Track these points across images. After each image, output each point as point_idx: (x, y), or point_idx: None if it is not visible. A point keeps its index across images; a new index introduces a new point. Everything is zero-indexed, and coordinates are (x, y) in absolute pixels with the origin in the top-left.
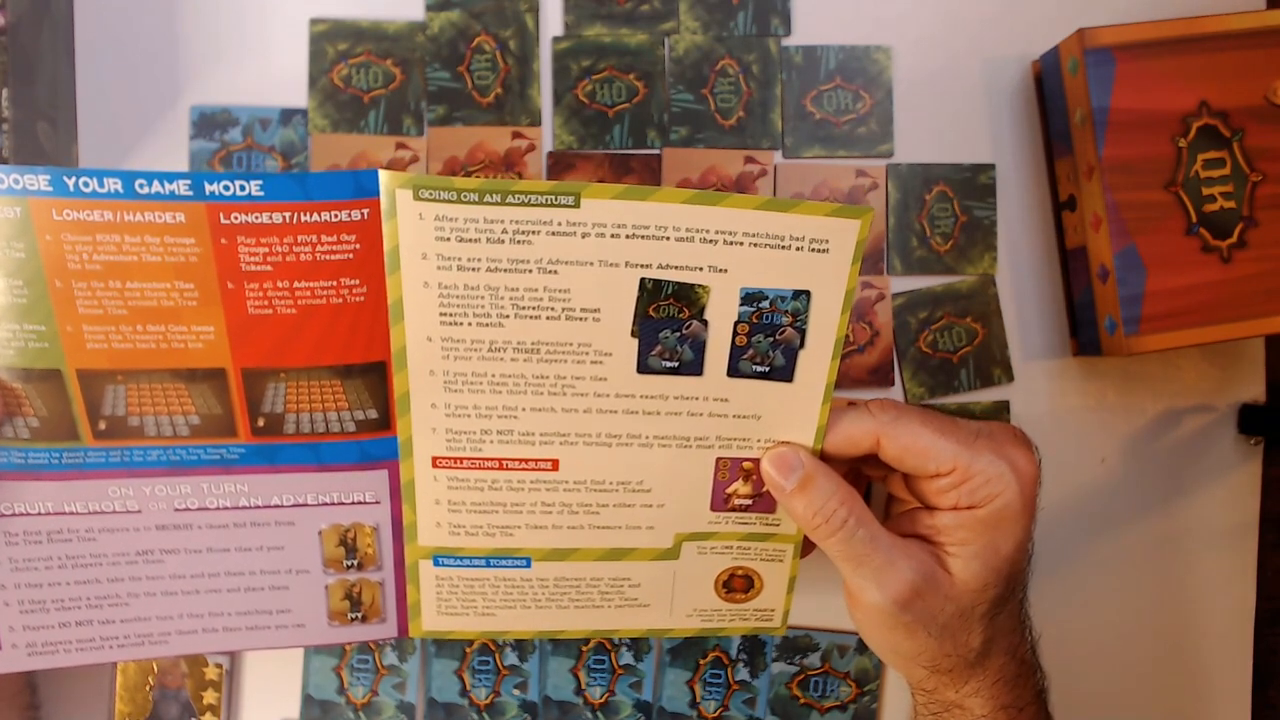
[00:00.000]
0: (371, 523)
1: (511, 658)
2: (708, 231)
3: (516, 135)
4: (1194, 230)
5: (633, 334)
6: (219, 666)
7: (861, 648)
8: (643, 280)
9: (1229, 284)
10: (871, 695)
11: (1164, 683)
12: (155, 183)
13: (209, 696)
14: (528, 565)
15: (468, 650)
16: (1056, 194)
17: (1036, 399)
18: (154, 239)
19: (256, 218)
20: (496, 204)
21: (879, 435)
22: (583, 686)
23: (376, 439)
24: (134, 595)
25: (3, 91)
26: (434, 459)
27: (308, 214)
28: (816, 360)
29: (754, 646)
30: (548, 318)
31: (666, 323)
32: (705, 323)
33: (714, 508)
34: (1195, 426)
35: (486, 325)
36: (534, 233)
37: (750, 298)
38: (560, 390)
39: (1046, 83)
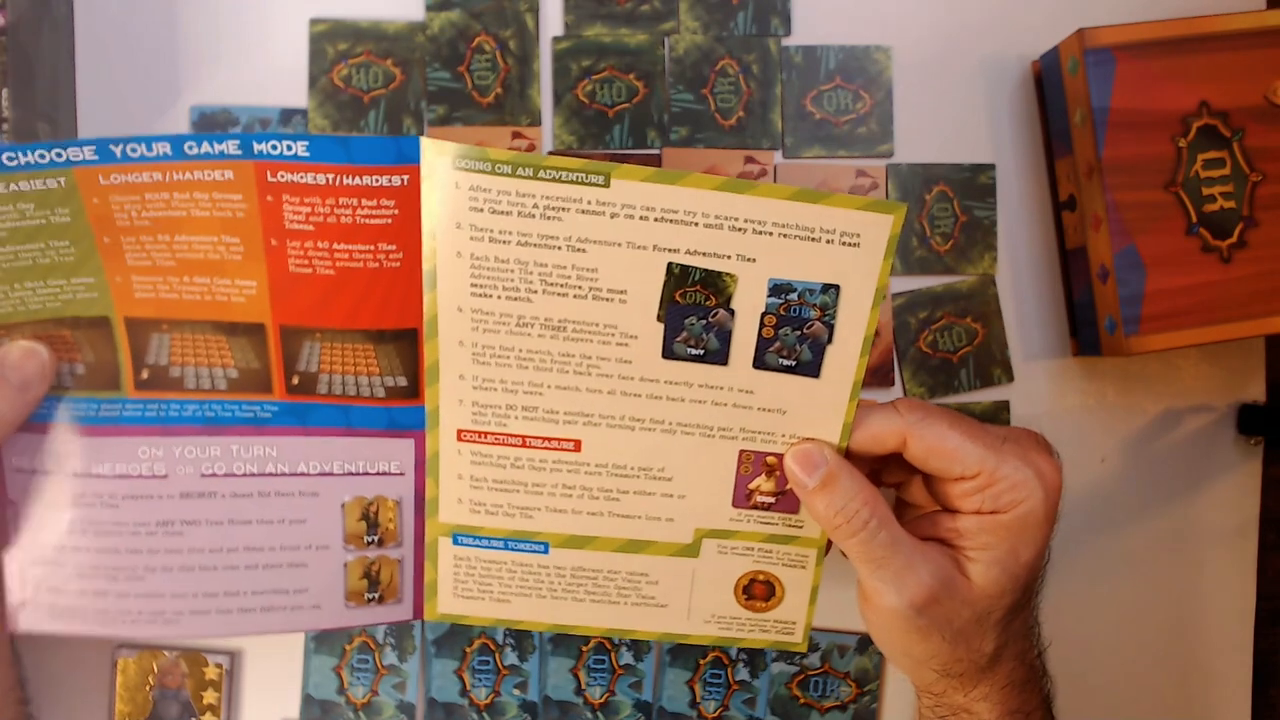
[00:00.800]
0: (395, 496)
1: (511, 657)
2: (737, 220)
3: (516, 135)
4: (1194, 230)
5: (658, 318)
6: (219, 666)
7: (861, 648)
8: (670, 265)
9: (1229, 284)
10: (871, 695)
11: (1164, 682)
12: (205, 144)
13: (209, 696)
14: (545, 551)
15: (468, 650)
16: (1056, 194)
17: (1036, 399)
18: (203, 195)
19: (301, 177)
20: (529, 178)
21: (906, 434)
22: (583, 686)
23: (405, 407)
24: (150, 569)
25: (3, 91)
26: (459, 432)
27: (350, 177)
28: (844, 356)
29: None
30: (575, 296)
31: (693, 309)
32: (732, 312)
33: (736, 504)
34: (1195, 426)
35: (515, 299)
36: (564, 209)
37: (778, 289)
38: (585, 370)
39: (1046, 83)
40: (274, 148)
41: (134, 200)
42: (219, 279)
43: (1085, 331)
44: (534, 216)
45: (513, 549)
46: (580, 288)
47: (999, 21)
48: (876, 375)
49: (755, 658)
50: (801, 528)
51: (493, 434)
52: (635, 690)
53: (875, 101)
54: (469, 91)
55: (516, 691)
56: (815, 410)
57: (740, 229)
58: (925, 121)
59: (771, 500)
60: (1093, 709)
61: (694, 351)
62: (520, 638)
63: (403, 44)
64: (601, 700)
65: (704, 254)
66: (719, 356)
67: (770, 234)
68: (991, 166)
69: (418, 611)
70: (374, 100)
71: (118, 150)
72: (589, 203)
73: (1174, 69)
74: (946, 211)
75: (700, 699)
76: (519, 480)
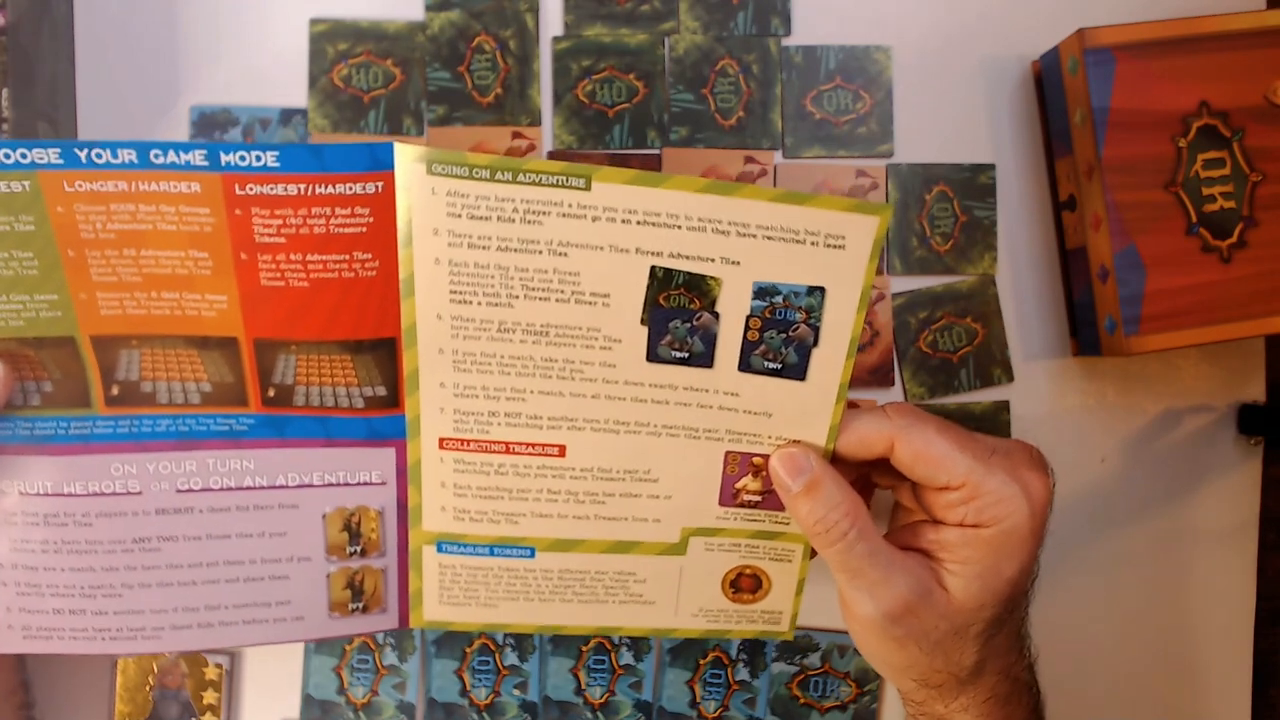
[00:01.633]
0: (376, 506)
1: (511, 658)
2: (720, 222)
3: (516, 135)
4: (1194, 230)
5: (642, 322)
6: (219, 666)
7: None
8: (653, 268)
9: (1229, 284)
10: (871, 695)
11: (1164, 683)
12: (171, 152)
13: (209, 696)
14: (532, 555)
15: (468, 650)
16: (1056, 194)
17: (1036, 399)
18: (169, 208)
19: (271, 189)
20: (508, 182)
21: (893, 439)
22: (583, 686)
23: (385, 416)
24: (128, 586)
25: (3, 91)
26: (441, 440)
27: (322, 186)
28: (830, 359)
29: (754, 646)
30: (557, 300)
31: (677, 312)
32: (716, 315)
33: (722, 502)
34: (1195, 426)
35: (496, 305)
36: (545, 213)
37: (763, 292)
38: (569, 375)
39: (1046, 83)
40: (242, 159)
41: (99, 211)
42: (188, 294)
43: (1085, 331)
44: (514, 221)
45: (498, 555)
46: (562, 292)
47: (999, 21)
48: (876, 375)
49: (755, 658)
50: (788, 524)
51: (475, 441)
52: (635, 690)
53: (875, 101)
54: (469, 91)
55: (516, 692)
56: (801, 412)
57: (724, 231)
58: (925, 121)
59: (758, 499)
60: (1092, 708)
61: (679, 355)
62: (520, 638)
63: (403, 44)
64: (601, 700)
65: (688, 257)
66: (704, 359)
67: (755, 236)
68: (991, 166)
69: (403, 620)
70: (374, 100)
71: (82, 155)
72: (570, 206)
73: (1174, 69)
74: (946, 211)
75: (700, 699)
76: (503, 487)
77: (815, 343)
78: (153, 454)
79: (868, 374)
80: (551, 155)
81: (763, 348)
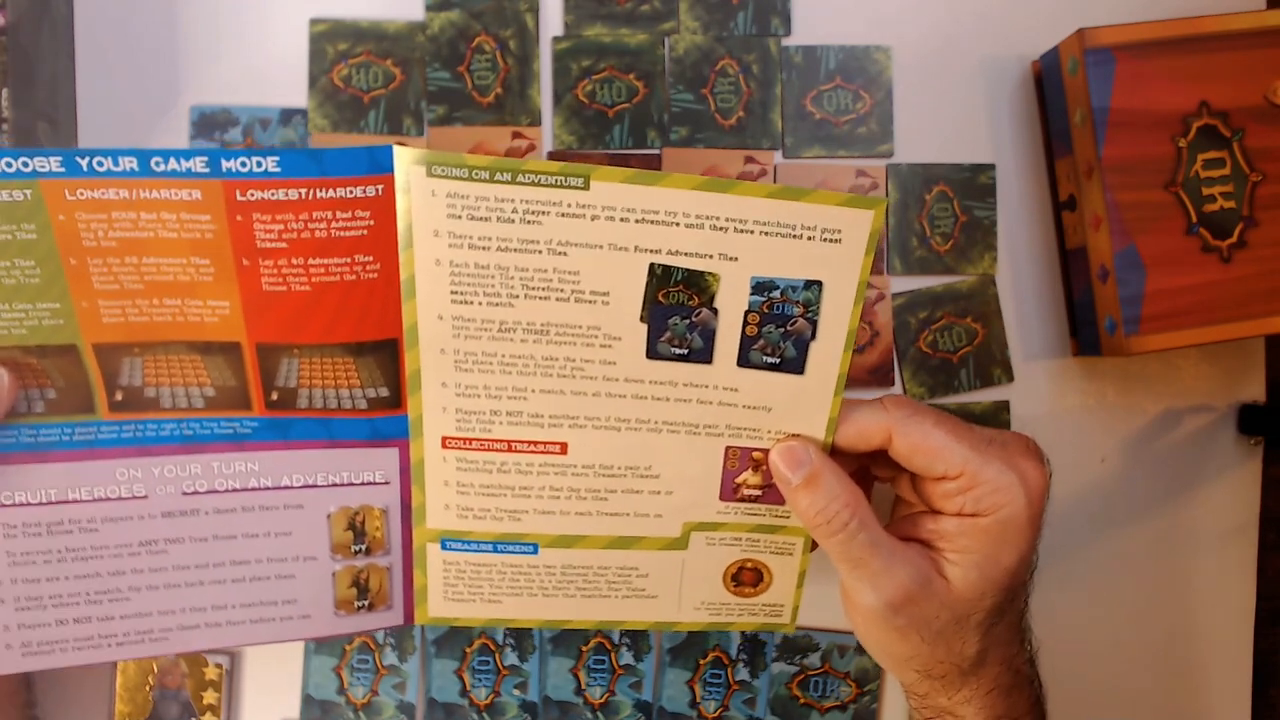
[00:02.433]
0: (381, 505)
1: (511, 658)
2: (718, 219)
3: (516, 135)
4: (1194, 230)
5: (642, 319)
6: (219, 666)
7: (862, 648)
8: (652, 265)
9: (1229, 284)
10: (871, 695)
11: (1164, 683)
12: (171, 160)
13: (209, 696)
14: (535, 551)
15: (468, 650)
16: (1056, 194)
17: (1036, 399)
18: (170, 215)
19: (272, 194)
20: (507, 183)
21: (891, 430)
22: (583, 686)
23: (387, 417)
24: (135, 589)
25: (3, 91)
26: (444, 439)
27: (323, 190)
28: (828, 352)
29: (754, 646)
30: (557, 299)
31: (676, 309)
32: (715, 311)
33: (723, 497)
34: (1195, 426)
35: (497, 305)
36: (544, 213)
37: (761, 287)
38: (569, 373)
39: (1046, 83)
40: (243, 165)
41: (100, 219)
42: (190, 300)
43: (1085, 331)
44: (513, 221)
45: (502, 551)
46: (562, 291)
47: (999, 21)
48: (876, 375)
49: (755, 658)
50: (788, 518)
51: (478, 440)
52: (635, 690)
53: (875, 101)
54: (469, 91)
55: (516, 691)
56: (800, 406)
57: (721, 228)
58: (925, 121)
59: (758, 493)
60: (1092, 708)
61: (678, 351)
62: (520, 638)
63: (403, 44)
64: (601, 700)
65: (686, 254)
66: (703, 355)
67: (752, 232)
68: (991, 166)
69: (408, 617)
70: (374, 100)
71: (84, 163)
72: (569, 206)
73: (1174, 69)
74: (946, 211)
75: (700, 699)
76: (506, 484)
77: (813, 336)
78: (157, 458)
79: (868, 374)
80: (551, 155)
81: (761, 342)
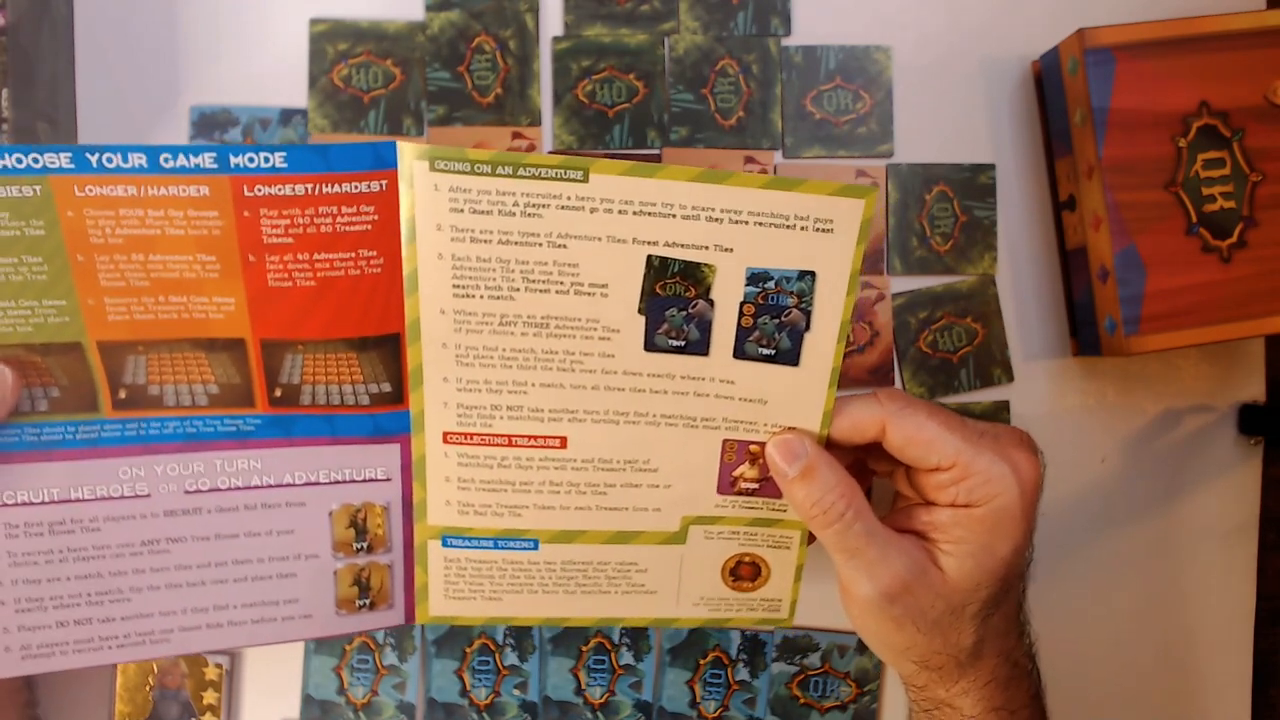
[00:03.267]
0: (382, 502)
1: (511, 658)
2: (713, 210)
3: (516, 135)
4: (1194, 230)
5: (639, 311)
6: (219, 667)
7: (862, 648)
8: (649, 257)
9: (1229, 284)
10: (871, 695)
11: (1164, 683)
12: (181, 156)
13: (209, 696)
14: (535, 547)
15: (468, 650)
16: (1056, 194)
17: (1036, 399)
18: (178, 212)
19: (279, 189)
20: (508, 176)
21: (885, 422)
22: (583, 686)
23: (389, 413)
24: (136, 590)
25: (3, 91)
26: (445, 434)
27: (328, 185)
28: (822, 343)
29: (754, 646)
30: (557, 292)
31: (673, 301)
32: (711, 302)
33: (721, 490)
34: (1195, 426)
35: (498, 298)
36: (544, 206)
37: (756, 278)
38: (569, 366)
39: (1046, 83)
40: (251, 160)
41: (108, 216)
42: (195, 297)
43: (1085, 331)
44: (514, 214)
45: (503, 548)
46: (562, 283)
47: (999, 22)
48: (876, 375)
49: (755, 658)
50: (785, 511)
51: (478, 435)
52: (635, 690)
53: (875, 101)
54: (469, 91)
55: (516, 691)
56: (796, 399)
57: (717, 219)
58: (925, 121)
59: (755, 486)
60: (1091, 708)
61: (675, 343)
62: (520, 638)
63: (403, 44)
64: (601, 700)
65: (682, 245)
66: (700, 347)
67: (746, 223)
68: (991, 166)
69: (409, 616)
70: (374, 100)
71: (93, 159)
72: (568, 198)
73: (1174, 69)
74: (946, 211)
75: (700, 699)
76: (506, 480)
77: (807, 328)
78: (160, 456)
79: (868, 374)
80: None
81: (757, 334)
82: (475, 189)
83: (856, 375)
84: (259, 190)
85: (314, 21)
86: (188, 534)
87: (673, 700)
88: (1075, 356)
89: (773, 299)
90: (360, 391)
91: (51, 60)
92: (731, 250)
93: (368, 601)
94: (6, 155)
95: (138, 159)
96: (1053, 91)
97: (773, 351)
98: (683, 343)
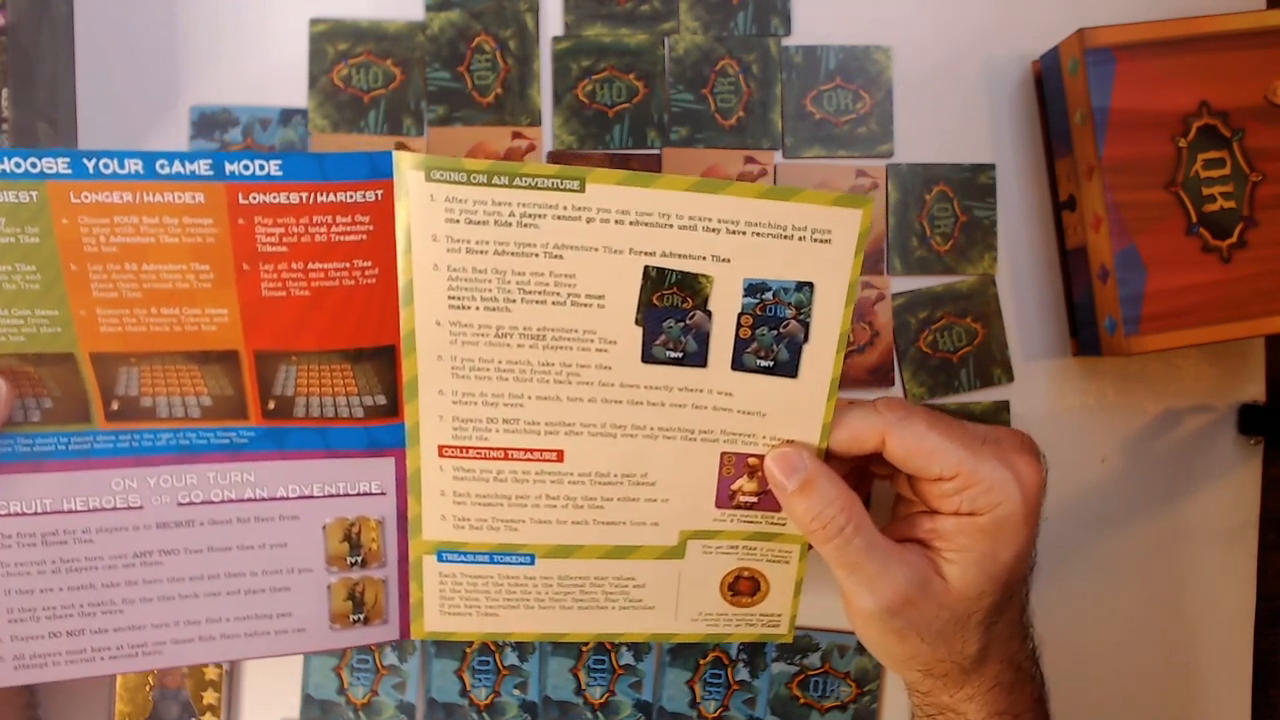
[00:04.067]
0: (377, 516)
1: (511, 658)
2: (710, 220)
3: (516, 135)
4: (1194, 230)
5: (637, 322)
6: (219, 667)
7: (862, 648)
8: (646, 268)
9: (1229, 284)
10: (871, 695)
11: (1164, 683)
12: (176, 163)
13: (209, 696)
14: (531, 562)
15: (468, 650)
16: (1056, 194)
17: (1036, 399)
18: (172, 220)
19: (275, 198)
20: (504, 186)
21: (885, 434)
22: (583, 686)
23: (384, 425)
24: (129, 601)
25: (3, 91)
26: (440, 448)
27: (324, 194)
28: (821, 355)
29: (754, 646)
30: (553, 303)
31: (670, 312)
32: (709, 313)
33: (719, 504)
34: (1195, 426)
35: (494, 309)
36: (540, 216)
37: (754, 289)
38: (565, 378)
39: (1046, 83)
40: (246, 168)
41: (103, 224)
42: (188, 309)
43: (1085, 331)
44: (510, 225)
45: (498, 563)
46: (559, 294)
47: (999, 22)
48: (876, 375)
49: (755, 658)
50: (784, 525)
51: (474, 448)
52: (635, 690)
53: (875, 101)
54: (469, 91)
55: (516, 692)
56: (794, 411)
57: (714, 229)
58: (925, 121)
59: (754, 500)
60: (1091, 708)
61: (673, 354)
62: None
63: (403, 44)
64: (601, 700)
65: (680, 255)
66: (697, 359)
67: (744, 233)
68: (991, 166)
69: (404, 631)
70: (374, 100)
71: (90, 165)
72: (565, 208)
73: (1174, 69)
74: (946, 211)
75: (700, 699)
76: (502, 494)
77: (805, 339)
78: (153, 468)
79: (868, 374)
80: (551, 155)
81: (755, 345)
82: (471, 199)
83: (856, 375)
84: (254, 198)
85: (314, 21)
86: (180, 546)
87: (673, 700)
88: (1075, 356)
89: (771, 310)
90: (355, 404)
91: (51, 60)
92: (729, 261)
93: (362, 616)
94: (5, 159)
95: (134, 165)
96: (1053, 91)
97: (771, 363)
98: (680, 354)
